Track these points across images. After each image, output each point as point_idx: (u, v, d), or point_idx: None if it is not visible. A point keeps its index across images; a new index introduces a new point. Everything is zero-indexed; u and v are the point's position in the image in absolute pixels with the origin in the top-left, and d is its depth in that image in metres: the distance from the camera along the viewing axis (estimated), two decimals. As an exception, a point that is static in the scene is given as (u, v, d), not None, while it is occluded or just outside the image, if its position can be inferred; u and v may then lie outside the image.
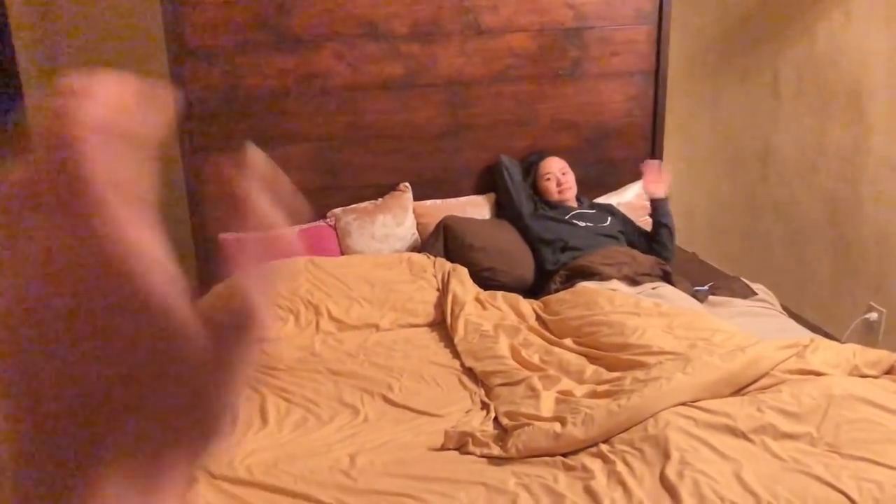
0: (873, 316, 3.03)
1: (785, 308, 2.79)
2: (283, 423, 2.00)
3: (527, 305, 2.61)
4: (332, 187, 3.13)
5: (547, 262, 2.89)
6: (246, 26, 2.89)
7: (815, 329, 2.87)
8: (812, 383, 1.87)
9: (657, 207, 3.05)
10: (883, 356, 2.00)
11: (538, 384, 2.03)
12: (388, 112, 3.11)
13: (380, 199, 3.15)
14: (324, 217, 3.11)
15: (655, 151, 3.42)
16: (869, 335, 3.05)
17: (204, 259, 3.07)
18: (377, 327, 2.55)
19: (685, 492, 1.57)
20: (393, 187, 3.18)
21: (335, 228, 3.07)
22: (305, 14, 2.93)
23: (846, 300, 3.17)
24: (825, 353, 2.01)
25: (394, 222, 3.07)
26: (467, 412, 2.03)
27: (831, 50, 3.09)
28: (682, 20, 3.76)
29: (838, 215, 3.17)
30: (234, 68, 2.93)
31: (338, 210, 3.11)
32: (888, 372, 1.97)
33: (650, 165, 3.12)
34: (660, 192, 3.05)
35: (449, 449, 1.86)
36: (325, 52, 2.99)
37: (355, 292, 2.66)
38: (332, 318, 2.57)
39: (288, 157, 3.06)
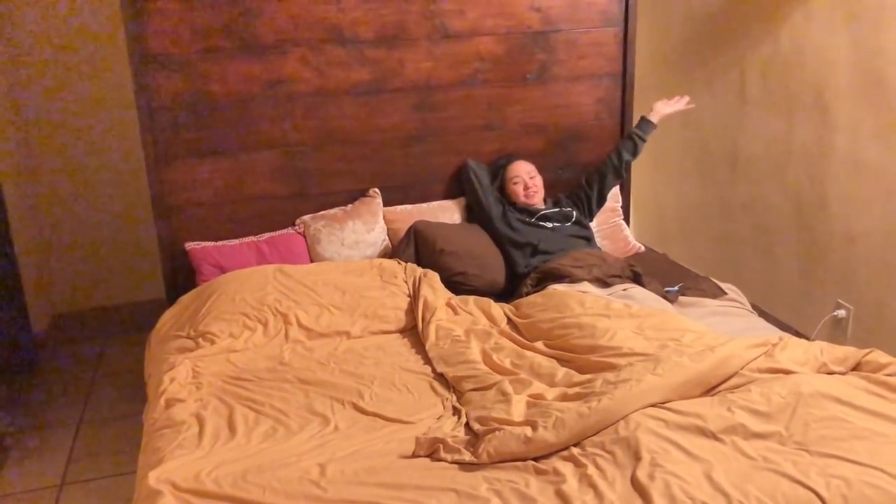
0: (841, 313, 3.06)
1: (755, 307, 2.81)
2: (251, 434, 1.97)
3: (498, 309, 2.60)
4: (300, 194, 3.10)
5: (518, 265, 2.89)
6: (210, 33, 2.86)
7: (784, 327, 2.89)
8: (781, 382, 1.88)
9: (640, 124, 3.14)
10: (850, 353, 2.01)
11: (509, 388, 2.02)
12: (356, 118, 3.09)
13: (349, 206, 3.12)
14: (292, 224, 3.08)
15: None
16: (837, 332, 3.08)
17: (171, 269, 3.02)
18: (348, 335, 2.53)
19: (656, 493, 1.56)
20: (362, 193, 3.16)
21: (304, 236, 3.04)
22: (270, 20, 2.90)
23: (815, 298, 3.20)
24: (793, 351, 2.02)
25: (364, 228, 3.05)
26: (439, 418, 2.01)
27: (795, 51, 3.12)
28: (648, 23, 3.79)
29: (806, 215, 3.20)
30: (198, 75, 2.89)
31: (307, 217, 3.08)
32: (855, 368, 1.98)
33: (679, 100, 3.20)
34: (660, 114, 3.15)
35: (420, 456, 1.84)
36: (291, 58, 2.96)
37: (325, 300, 2.64)
38: (301, 326, 2.54)
39: (255, 164, 3.03)
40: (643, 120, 3.13)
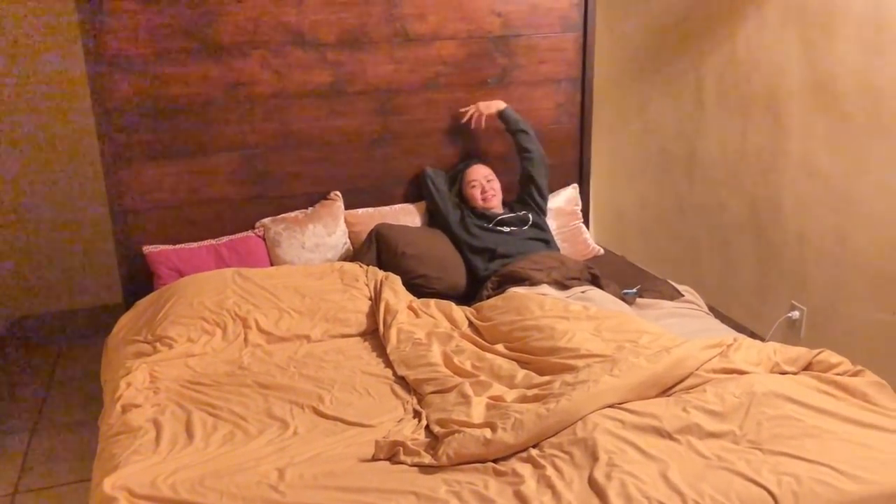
0: (795, 314, 3.12)
1: (711, 308, 2.86)
2: (209, 440, 1.95)
3: (460, 312, 2.61)
4: (260, 197, 3.08)
5: (478, 269, 2.90)
6: (168, 34, 2.83)
7: (740, 328, 2.95)
8: (735, 382, 1.92)
9: (507, 119, 3.16)
10: (801, 353, 2.06)
11: (470, 390, 2.03)
12: (317, 120, 3.08)
13: (310, 209, 3.11)
14: (252, 227, 3.06)
15: (584, 157, 3.47)
16: (791, 333, 3.14)
17: (128, 273, 2.98)
18: (308, 338, 2.52)
19: (613, 493, 1.59)
20: (323, 196, 3.15)
21: (264, 239, 3.02)
22: (230, 22, 2.88)
23: (769, 299, 3.27)
24: (747, 351, 2.07)
25: (325, 231, 3.04)
26: (399, 421, 2.01)
27: (749, 57, 3.18)
28: (607, 28, 3.83)
29: (760, 217, 3.26)
30: (156, 77, 2.85)
31: (267, 220, 3.06)
32: (807, 368, 2.02)
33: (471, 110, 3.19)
34: (497, 105, 3.17)
35: (380, 459, 1.84)
36: (251, 61, 2.94)
37: (285, 303, 2.62)
38: (260, 330, 2.52)
39: (214, 166, 3.00)
40: (505, 112, 3.15)
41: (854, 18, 2.65)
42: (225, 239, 2.99)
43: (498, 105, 3.18)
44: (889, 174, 2.61)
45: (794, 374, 2.02)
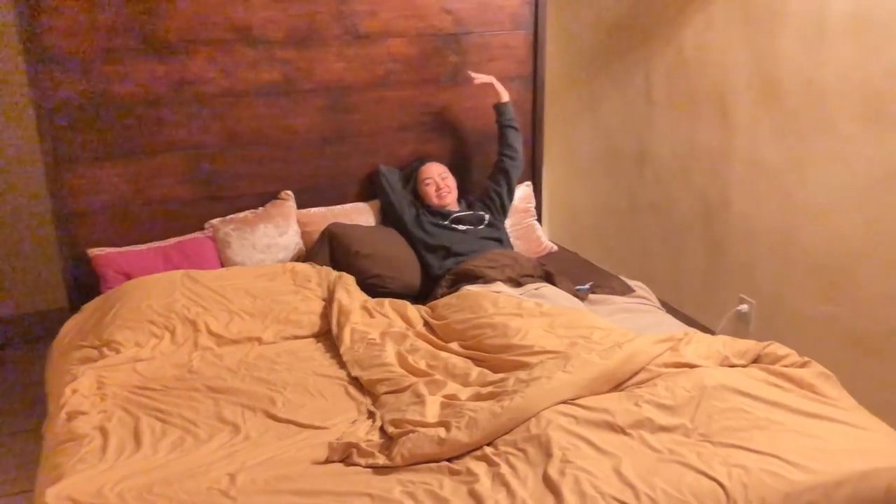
0: (744, 308, 3.18)
1: (663, 303, 2.89)
2: (158, 446, 1.91)
3: (414, 311, 2.59)
4: (209, 197, 3.03)
5: (433, 267, 2.89)
6: (111, 31, 2.76)
7: (691, 322, 2.99)
8: (685, 376, 1.94)
9: (504, 112, 3.17)
10: (750, 346, 2.09)
11: (424, 390, 2.02)
12: (267, 119, 3.03)
13: (261, 209, 3.07)
14: (201, 229, 3.00)
15: (536, 155, 3.49)
16: (741, 326, 3.20)
17: (73, 276, 2.90)
18: (259, 341, 2.48)
19: (567, 489, 1.59)
20: (274, 196, 3.11)
21: (214, 240, 2.96)
22: (175, 19, 2.82)
23: (719, 294, 3.32)
24: (697, 345, 2.09)
25: (276, 232, 3.00)
26: (353, 423, 1.99)
27: (697, 55, 3.23)
28: (557, 27, 3.86)
29: (710, 213, 3.32)
30: (99, 75, 2.78)
31: (216, 221, 3.00)
32: (756, 361, 2.06)
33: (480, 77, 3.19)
34: (505, 95, 3.18)
35: (334, 461, 1.82)
36: (198, 59, 2.88)
37: (236, 305, 2.58)
38: (210, 333, 2.47)
39: (161, 167, 2.94)
40: (499, 105, 3.17)
41: (796, 17, 2.71)
42: (173, 240, 2.93)
43: (504, 94, 3.18)
44: (832, 169, 2.67)
45: (744, 366, 2.05)
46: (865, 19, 2.44)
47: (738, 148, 3.10)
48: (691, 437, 1.76)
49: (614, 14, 3.70)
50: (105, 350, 2.37)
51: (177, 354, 2.39)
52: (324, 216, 3.09)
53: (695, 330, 2.31)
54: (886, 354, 2.55)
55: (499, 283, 2.64)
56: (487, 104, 3.30)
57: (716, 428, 1.78)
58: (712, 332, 2.73)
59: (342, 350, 2.36)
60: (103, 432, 1.96)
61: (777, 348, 2.06)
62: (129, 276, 2.74)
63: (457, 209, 3.09)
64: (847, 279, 2.67)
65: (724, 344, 2.12)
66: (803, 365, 2.00)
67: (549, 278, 2.74)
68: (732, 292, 3.24)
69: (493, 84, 3.18)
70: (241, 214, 3.03)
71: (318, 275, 2.78)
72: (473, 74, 3.19)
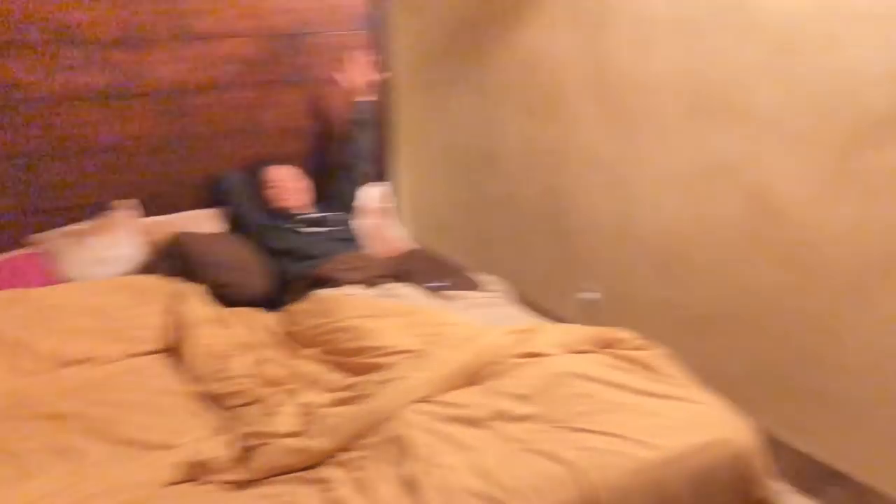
0: (591, 296, 3.31)
1: (516, 296, 2.96)
2: (-21, 484, 1.74)
3: (265, 320, 2.53)
4: (34, 211, 2.81)
5: (283, 273, 2.82)
6: (-90, 31, 2.51)
7: (544, 313, 3.08)
8: (536, 365, 2.00)
9: (361, 108, 3.16)
10: (595, 332, 2.17)
11: (277, 399, 1.97)
12: (97, 124, 2.85)
13: (95, 220, 2.88)
14: (27, 244, 2.78)
15: (388, 154, 3.49)
16: (588, 314, 3.33)
17: None
18: (100, 360, 2.33)
19: (427, 487, 1.60)
20: (110, 206, 2.93)
21: (42, 256, 2.75)
22: (-13, 18, 2.60)
23: (567, 284, 3.45)
24: (546, 335, 2.16)
25: (113, 244, 2.82)
26: (205, 439, 1.91)
27: (535, 56, 3.33)
28: (402, 27, 3.87)
29: (554, 207, 3.43)
30: None
31: (44, 234, 2.79)
32: (602, 346, 2.14)
33: (354, 58, 3.17)
34: (365, 94, 3.17)
35: (185, 481, 1.73)
36: (13, 60, 2.66)
37: (72, 324, 2.41)
38: (44, 356, 2.30)
39: (-24, 179, 2.71)
40: (363, 103, 3.17)
41: (625, 16, 2.85)
42: (-3, 258, 2.70)
43: (362, 94, 3.15)
44: (659, 160, 2.83)
45: (590, 352, 2.13)
46: (683, 20, 2.60)
47: (574, 144, 3.22)
48: (544, 425, 1.81)
49: (456, 15, 3.76)
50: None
51: (5, 381, 2.20)
52: (166, 224, 2.94)
53: (545, 320, 2.38)
54: (717, 333, 2.74)
55: (353, 286, 2.62)
56: (332, 105, 3.27)
57: (566, 413, 1.83)
58: (563, 322, 2.83)
59: (188, 365, 2.26)
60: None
61: (619, 332, 2.15)
62: (-57, 301, 2.50)
63: (306, 212, 3.03)
64: (681, 264, 2.84)
65: (570, 332, 2.19)
66: (644, 347, 2.10)
67: (403, 277, 2.74)
68: (579, 282, 3.37)
69: (356, 83, 3.16)
70: (75, 227, 2.83)
71: (161, 287, 2.65)
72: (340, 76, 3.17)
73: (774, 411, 2.52)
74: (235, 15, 3.01)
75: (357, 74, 3.17)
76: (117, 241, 2.83)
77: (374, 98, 3.20)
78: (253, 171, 3.11)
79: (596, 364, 2.02)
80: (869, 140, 2.14)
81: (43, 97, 2.74)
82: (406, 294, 2.60)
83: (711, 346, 2.76)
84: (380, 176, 3.47)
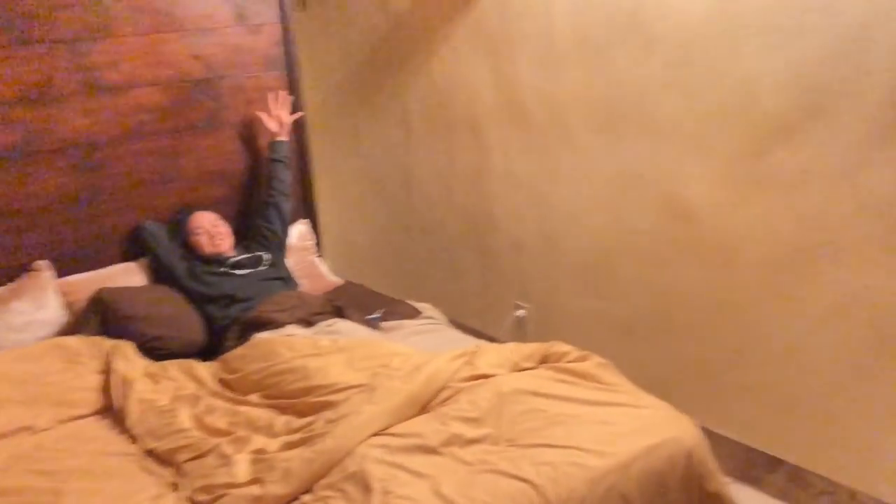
0: (521, 313, 3.39)
1: (450, 321, 3.01)
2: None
3: (204, 369, 2.48)
4: (-55, 280, 2.70)
5: (216, 319, 2.78)
6: None
7: (476, 334, 3.12)
8: (484, 386, 2.04)
9: (279, 148, 3.20)
10: (535, 348, 2.24)
11: (229, 449, 1.94)
12: (5, 185, 2.76)
13: (11, 284, 2.77)
14: (-58, 316, 2.66)
15: (308, 191, 3.49)
16: (520, 331, 3.41)
17: None
18: (32, 429, 2.24)
19: (392, 519, 1.61)
20: (25, 268, 2.83)
21: (-41, 326, 2.63)
22: None
23: (497, 303, 3.52)
24: (489, 356, 2.21)
25: (33, 307, 2.73)
26: (156, 499, 1.86)
27: (447, 83, 3.41)
28: (310, 64, 3.89)
29: (477, 229, 3.50)
30: None
31: (-41, 304, 2.68)
32: (543, 361, 2.20)
33: (278, 97, 3.22)
34: (286, 135, 3.23)
35: (143, 544, 1.69)
36: (-87, 127, 2.56)
37: (1, 394, 2.31)
38: (-30, 430, 2.20)
39: None
40: (276, 143, 3.20)
41: (529, 41, 2.96)
42: None
43: (282, 133, 3.20)
44: (576, 176, 2.94)
45: (533, 368, 2.19)
46: (586, 42, 2.73)
47: (493, 166, 3.31)
48: (499, 444, 1.85)
49: (362, 52, 3.81)
50: None
51: (-68, 464, 2.09)
52: (87, 282, 2.86)
53: (484, 341, 2.43)
54: (646, 335, 2.85)
55: (290, 326, 2.60)
56: (248, 147, 3.25)
57: (519, 431, 1.88)
58: (497, 341, 2.88)
59: (130, 423, 2.20)
60: None
61: (559, 346, 2.22)
62: None
63: (233, 254, 3.00)
64: (605, 273, 2.95)
65: (512, 350, 2.25)
66: (584, 358, 2.17)
67: (339, 313, 2.75)
68: (509, 300, 3.45)
69: (280, 121, 3.19)
70: (-9, 293, 2.72)
71: (90, 347, 2.57)
72: (265, 117, 3.19)
73: (707, 407, 2.64)
74: (143, 64, 2.97)
75: (280, 113, 3.19)
76: (39, 304, 2.74)
77: (288, 137, 3.21)
78: (174, 220, 3.07)
79: (541, 379, 2.08)
80: (768, 143, 2.29)
81: (-53, 162, 2.64)
82: (345, 329, 2.61)
83: (640, 351, 2.86)
84: (301, 213, 3.46)
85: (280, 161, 3.17)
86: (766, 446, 2.53)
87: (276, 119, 3.20)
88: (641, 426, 1.86)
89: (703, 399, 2.66)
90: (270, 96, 3.21)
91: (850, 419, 2.29)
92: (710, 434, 2.03)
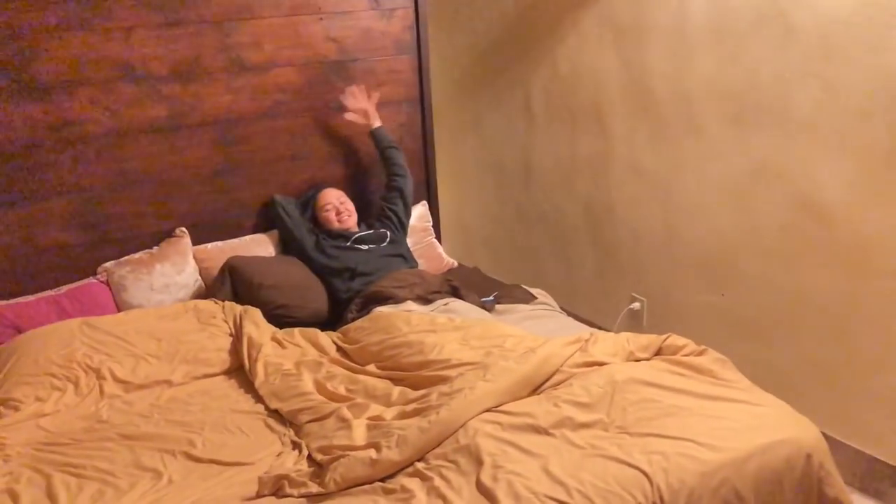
0: (636, 305, 3.35)
1: (562, 308, 3.01)
2: (76, 501, 1.83)
3: (326, 338, 2.60)
4: (101, 241, 2.93)
5: (339, 291, 2.90)
6: (-19, 74, 2.64)
7: (590, 324, 3.12)
8: (597, 373, 2.04)
9: (380, 137, 3.25)
10: (651, 340, 2.22)
11: (348, 414, 2.03)
12: (155, 156, 2.97)
13: (155, 248, 2.99)
14: (94, 274, 2.90)
15: (430, 174, 3.56)
16: (634, 323, 3.37)
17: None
18: (170, 383, 2.42)
19: (501, 493, 1.64)
20: (169, 234, 3.04)
21: (108, 284, 2.86)
22: (51, 59, 2.72)
23: (612, 294, 3.49)
24: (604, 344, 2.20)
25: (173, 270, 2.93)
26: (279, 455, 1.98)
27: (572, 70, 3.40)
28: (438, 50, 3.96)
29: (596, 219, 3.49)
30: (-29, 121, 2.65)
31: (109, 264, 2.90)
32: (658, 353, 2.18)
33: (353, 92, 3.24)
34: (377, 120, 3.26)
35: (265, 495, 1.80)
36: (79, 98, 2.79)
37: (140, 349, 2.51)
38: (117, 380, 2.39)
39: (47, 213, 2.82)
40: (375, 132, 3.25)
41: (661, 30, 2.91)
42: (65, 288, 2.81)
43: (376, 120, 3.25)
44: (704, 169, 2.88)
45: (648, 359, 2.17)
46: (722, 30, 2.66)
47: (616, 155, 3.28)
48: (610, 431, 1.85)
49: (487, 37, 3.84)
50: (2, 409, 2.26)
51: (83, 405, 2.30)
52: (221, 251, 3.04)
53: (597, 330, 2.43)
54: (768, 335, 2.77)
55: (409, 302, 2.69)
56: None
57: (631, 419, 1.88)
58: (611, 332, 2.87)
59: (257, 384, 2.33)
60: (13, 495, 1.87)
61: (676, 339, 2.19)
62: (20, 330, 2.61)
63: (357, 230, 3.12)
64: (728, 270, 2.88)
65: (627, 340, 2.24)
66: (701, 353, 2.13)
67: (455, 293, 2.81)
68: (624, 292, 3.42)
69: (367, 113, 3.24)
70: (136, 255, 2.94)
71: (222, 310, 2.74)
72: (349, 106, 3.23)
73: (831, 413, 2.54)
74: (283, 46, 3.12)
75: (361, 106, 3.24)
76: (179, 268, 2.94)
77: (380, 122, 3.27)
78: (304, 196, 3.21)
79: (656, 370, 2.06)
80: (915, 141, 2.17)
81: (106, 132, 2.86)
82: (460, 309, 2.66)
83: (760, 350, 2.78)
84: (422, 195, 3.54)
85: (390, 147, 3.25)
86: (893, 458, 2.41)
87: (362, 112, 3.24)
88: (758, 424, 1.82)
89: (827, 404, 2.56)
90: (345, 95, 3.24)
91: None
92: (831, 441, 1.96)
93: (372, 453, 1.82)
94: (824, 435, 1.88)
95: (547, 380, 2.06)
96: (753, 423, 1.82)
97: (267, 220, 3.20)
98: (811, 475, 1.77)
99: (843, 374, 2.52)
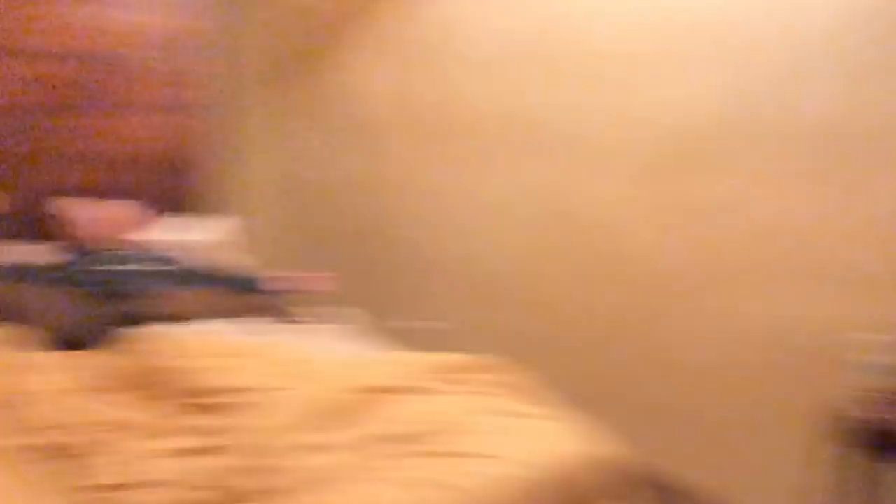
0: (441, 326, 3.33)
1: (370, 325, 2.96)
2: None
3: (96, 361, 2.31)
4: None
5: (103, 313, 2.59)
6: None
7: (395, 341, 3.10)
8: (401, 395, 2.03)
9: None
10: (454, 359, 2.25)
11: (130, 446, 1.82)
12: None
13: None
14: None
15: (230, 187, 3.41)
16: (438, 343, 3.36)
17: None
18: None
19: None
20: None
21: None
22: None
23: (421, 314, 3.47)
24: (405, 365, 2.21)
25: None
26: (49, 494, 1.71)
27: (353, 88, 3.40)
28: (227, 54, 3.76)
29: (383, 237, 3.49)
30: None
31: None
32: (459, 372, 2.20)
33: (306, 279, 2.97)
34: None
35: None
36: None
37: None
38: None
39: None
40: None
41: (431, 54, 3.02)
42: None
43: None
44: (478, 190, 3.00)
45: (436, 378, 2.17)
46: (494, 60, 2.80)
47: (392, 175, 3.35)
48: (414, 453, 1.82)
49: (278, 47, 3.72)
50: None
51: None
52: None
53: (401, 350, 2.42)
54: (535, 353, 2.90)
55: (192, 322, 2.49)
56: (133, 129, 3.10)
57: (432, 440, 1.85)
58: (412, 350, 2.86)
59: (22, 415, 2.00)
60: None
61: (476, 359, 2.24)
62: None
63: (122, 247, 2.84)
64: (494, 290, 3.01)
65: (426, 360, 2.25)
66: (495, 370, 2.20)
67: (251, 312, 2.65)
68: (429, 313, 3.41)
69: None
70: None
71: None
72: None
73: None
74: (49, 35, 2.77)
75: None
76: None
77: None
78: (56, 207, 2.87)
79: (443, 388, 2.09)
80: (667, 171, 2.43)
81: None
82: (253, 329, 2.53)
83: (556, 363, 2.90)
84: (224, 209, 3.36)
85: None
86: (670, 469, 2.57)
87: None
88: (557, 437, 1.89)
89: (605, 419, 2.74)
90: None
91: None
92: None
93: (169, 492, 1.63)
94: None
95: (353, 404, 1.99)
96: (553, 437, 1.89)
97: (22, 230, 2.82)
98: (610, 487, 1.86)
99: (603, 387, 2.67)
